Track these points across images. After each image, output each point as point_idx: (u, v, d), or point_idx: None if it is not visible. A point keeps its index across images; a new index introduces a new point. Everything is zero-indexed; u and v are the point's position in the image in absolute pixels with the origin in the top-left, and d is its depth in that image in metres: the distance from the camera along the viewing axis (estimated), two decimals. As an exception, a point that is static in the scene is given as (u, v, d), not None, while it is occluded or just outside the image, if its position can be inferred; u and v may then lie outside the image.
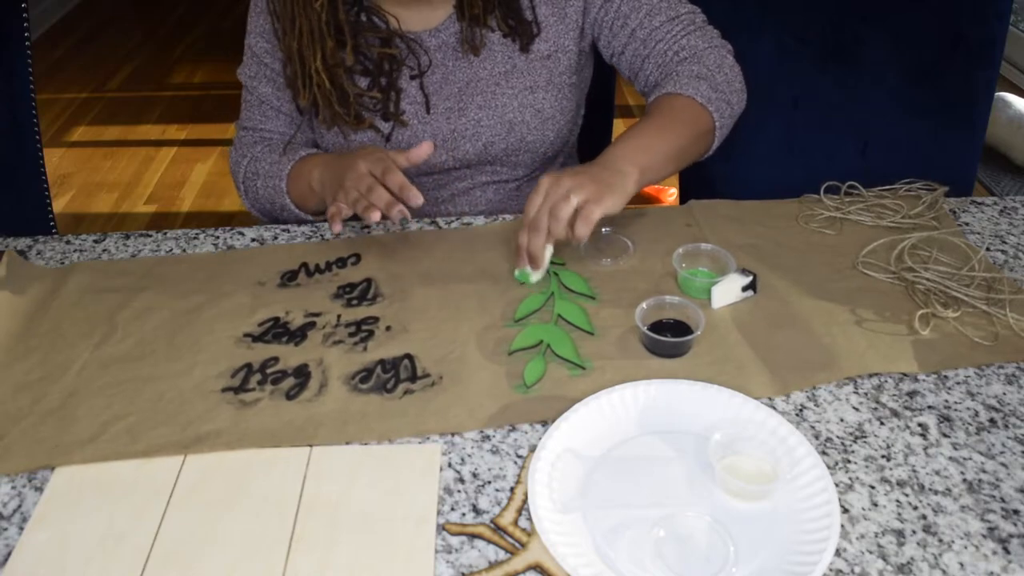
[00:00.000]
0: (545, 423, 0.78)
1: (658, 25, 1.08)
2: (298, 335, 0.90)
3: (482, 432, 0.78)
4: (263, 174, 1.12)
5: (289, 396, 0.82)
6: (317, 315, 0.93)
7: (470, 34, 1.06)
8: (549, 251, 0.92)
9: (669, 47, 1.08)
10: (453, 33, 1.08)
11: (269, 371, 0.85)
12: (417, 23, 1.07)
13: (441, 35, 1.08)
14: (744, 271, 0.93)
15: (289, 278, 0.99)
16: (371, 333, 0.90)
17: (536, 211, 0.90)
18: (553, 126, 1.12)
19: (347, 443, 0.77)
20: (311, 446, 0.77)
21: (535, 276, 0.94)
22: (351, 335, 0.90)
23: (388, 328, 0.91)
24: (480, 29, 1.06)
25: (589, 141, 1.33)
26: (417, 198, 0.94)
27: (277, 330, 0.91)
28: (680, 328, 0.87)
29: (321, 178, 1.05)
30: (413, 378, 0.84)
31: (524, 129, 1.11)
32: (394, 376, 0.84)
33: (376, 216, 0.94)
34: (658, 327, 0.87)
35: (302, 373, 0.85)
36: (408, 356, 0.86)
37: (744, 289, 0.92)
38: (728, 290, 0.92)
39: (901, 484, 0.72)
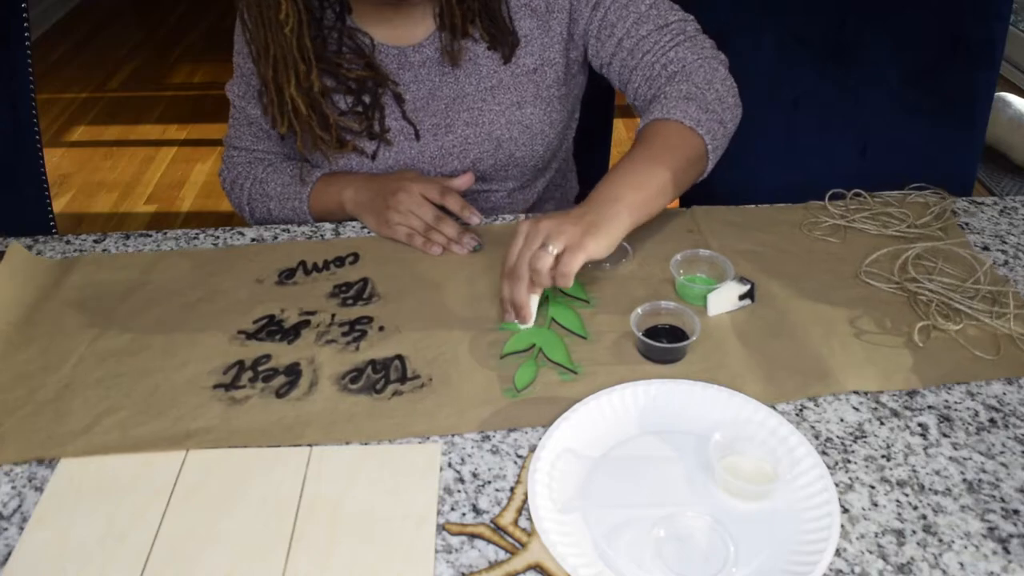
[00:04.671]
0: (542, 426, 0.78)
1: (645, 34, 1.03)
2: (291, 333, 0.90)
3: (482, 432, 0.78)
4: (275, 196, 1.13)
5: (279, 394, 0.82)
6: (312, 313, 0.93)
7: (450, 44, 1.04)
8: (535, 300, 0.86)
9: (657, 59, 1.02)
10: (437, 48, 1.06)
11: (261, 369, 0.85)
12: (401, 39, 1.06)
13: (425, 50, 1.06)
14: (742, 279, 0.91)
15: (287, 276, 0.99)
16: (364, 333, 0.90)
17: (515, 259, 0.84)
18: (542, 140, 1.11)
19: (346, 443, 0.77)
20: (310, 446, 0.77)
21: (523, 326, 0.88)
22: (344, 334, 0.90)
23: (381, 328, 0.90)
24: (460, 40, 1.04)
25: (589, 142, 1.32)
26: (476, 215, 1.02)
27: (271, 328, 0.91)
28: (676, 334, 0.86)
29: (356, 199, 1.07)
30: (403, 379, 0.83)
31: (512, 146, 1.09)
32: (384, 377, 0.84)
33: (438, 251, 1.00)
34: (653, 332, 0.86)
35: (293, 371, 0.85)
36: (399, 357, 0.86)
37: (741, 298, 0.91)
38: (725, 298, 0.90)
39: (901, 484, 0.72)
